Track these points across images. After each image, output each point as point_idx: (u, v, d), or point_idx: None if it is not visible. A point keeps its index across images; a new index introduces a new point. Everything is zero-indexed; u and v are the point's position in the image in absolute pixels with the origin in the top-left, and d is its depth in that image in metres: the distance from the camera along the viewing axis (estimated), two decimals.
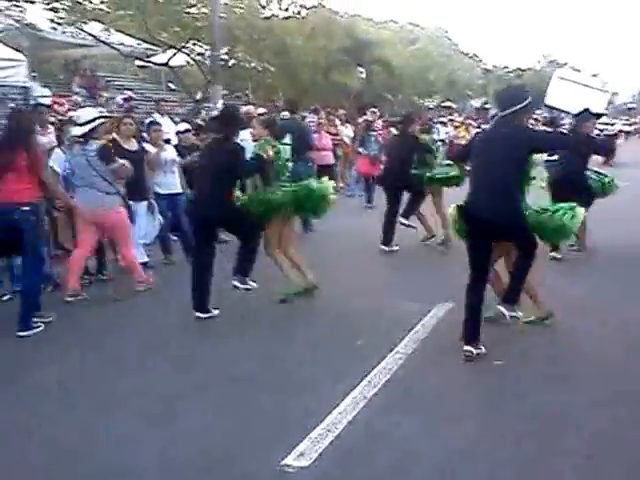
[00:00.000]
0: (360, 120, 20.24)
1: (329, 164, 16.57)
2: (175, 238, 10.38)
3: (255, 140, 8.01)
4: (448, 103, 48.21)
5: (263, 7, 29.33)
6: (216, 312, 7.45)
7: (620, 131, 38.19)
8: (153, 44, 28.20)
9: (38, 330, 7.01)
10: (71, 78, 26.34)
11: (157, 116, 13.57)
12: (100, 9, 27.09)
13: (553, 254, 9.86)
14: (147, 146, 9.74)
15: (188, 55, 27.92)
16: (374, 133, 17.74)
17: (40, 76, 25.83)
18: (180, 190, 10.16)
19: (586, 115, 10.10)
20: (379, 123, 20.74)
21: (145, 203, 9.33)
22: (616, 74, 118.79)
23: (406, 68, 33.81)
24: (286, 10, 29.62)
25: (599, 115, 11.19)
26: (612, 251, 10.54)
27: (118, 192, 8.24)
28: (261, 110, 16.11)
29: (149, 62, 29.10)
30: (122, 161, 8.29)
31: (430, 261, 10.55)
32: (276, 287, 8.11)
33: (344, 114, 20.17)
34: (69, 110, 15.48)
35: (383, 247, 11.05)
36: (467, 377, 5.82)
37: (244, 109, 14.52)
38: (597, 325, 7.11)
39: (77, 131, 8.30)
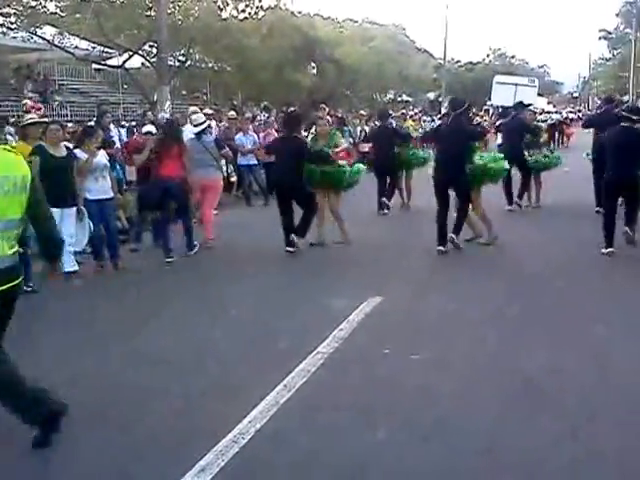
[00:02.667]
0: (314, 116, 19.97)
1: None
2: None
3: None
4: (405, 97, 48.26)
5: (220, 9, 28.75)
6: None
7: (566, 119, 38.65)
8: (109, 47, 27.53)
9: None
10: (23, 83, 25.63)
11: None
12: (54, 13, 26.34)
13: (508, 208, 13.63)
14: (78, 152, 9.22)
15: (144, 57, 27.27)
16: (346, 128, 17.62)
17: None
18: (111, 195, 9.64)
19: (520, 107, 14.24)
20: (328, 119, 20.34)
21: (74, 209, 8.83)
22: (561, 65, 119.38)
23: (362, 65, 33.43)
24: (242, 12, 29.04)
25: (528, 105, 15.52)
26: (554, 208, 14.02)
27: None
28: (208, 110, 15.75)
29: (105, 65, 28.43)
30: None
31: (362, 255, 10.20)
32: None
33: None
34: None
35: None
36: (388, 376, 5.43)
37: (190, 109, 14.23)
38: (523, 247, 10.55)
39: None
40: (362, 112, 16.21)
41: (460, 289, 8.10)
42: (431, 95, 54.46)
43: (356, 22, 48.72)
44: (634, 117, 9.75)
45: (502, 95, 18.73)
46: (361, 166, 11.38)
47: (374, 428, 4.50)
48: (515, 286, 8.28)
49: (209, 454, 4.18)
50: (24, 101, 19.89)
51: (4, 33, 24.61)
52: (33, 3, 25.32)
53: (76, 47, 26.78)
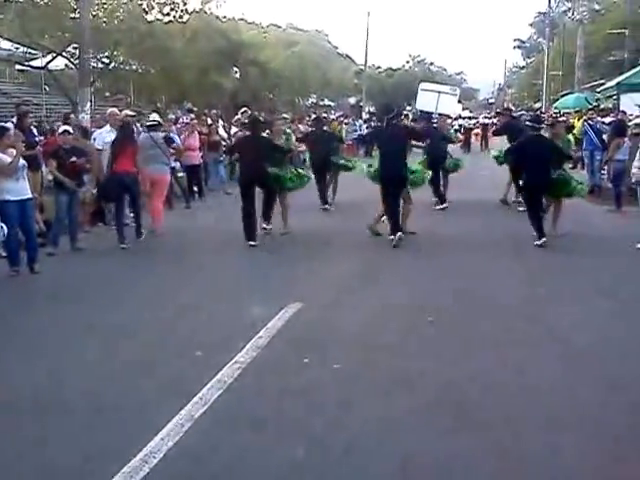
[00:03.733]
0: (234, 119, 19.97)
1: (196, 164, 15.94)
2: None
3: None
4: (327, 102, 48.18)
5: (145, 12, 28.05)
6: None
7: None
8: (32, 48, 26.55)
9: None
10: None
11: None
12: None
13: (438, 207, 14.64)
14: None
15: (68, 59, 26.35)
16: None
17: None
18: (31, 195, 9.22)
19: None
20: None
21: None
22: (478, 72, 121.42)
23: (285, 69, 33.16)
24: (167, 15, 28.38)
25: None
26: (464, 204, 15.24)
27: None
28: (130, 112, 15.24)
29: (28, 66, 27.42)
30: None
31: (283, 259, 10.10)
32: None
33: (216, 114, 19.37)
34: None
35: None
36: (307, 387, 5.25)
37: (108, 110, 13.91)
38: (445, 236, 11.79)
39: None
40: (284, 115, 15.98)
41: (383, 293, 7.93)
42: (352, 100, 54.57)
43: (280, 27, 48.44)
44: (537, 125, 11.39)
45: (426, 101, 19.99)
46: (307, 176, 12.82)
47: (291, 446, 4.29)
48: (439, 294, 8.14)
49: (117, 476, 3.89)
50: None
51: None
52: None
53: None
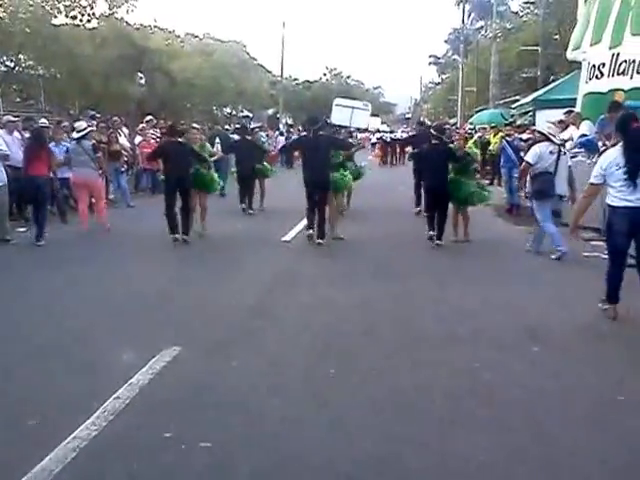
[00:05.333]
0: (139, 128, 18.82)
1: None
2: None
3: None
4: (245, 112, 46.96)
5: (52, 15, 26.33)
6: None
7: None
8: None
9: None
10: None
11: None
12: None
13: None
14: None
15: None
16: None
17: None
18: None
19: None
20: (156, 131, 19.08)
21: None
22: (395, 87, 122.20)
23: (196, 78, 31.83)
24: (74, 18, 26.75)
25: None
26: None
27: None
28: (11, 117, 13.98)
29: None
30: None
31: (156, 299, 8.07)
32: None
33: (117, 121, 17.94)
34: None
35: None
36: (169, 461, 3.92)
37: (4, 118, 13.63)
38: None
39: None
40: (195, 125, 14.81)
41: (282, 335, 6.69)
42: (270, 111, 53.50)
43: (197, 37, 46.92)
44: (440, 135, 12.02)
45: (340, 116, 21.00)
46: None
47: None
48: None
49: None
50: None
51: None
52: None
53: None
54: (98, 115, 20.01)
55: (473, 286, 8.74)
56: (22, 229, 12.54)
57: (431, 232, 11.73)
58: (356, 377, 5.48)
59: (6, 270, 9.61)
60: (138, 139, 18.81)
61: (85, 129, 13.19)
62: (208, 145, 14.24)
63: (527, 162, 10.64)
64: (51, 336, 6.46)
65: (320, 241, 11.70)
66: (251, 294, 8.15)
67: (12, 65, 25.79)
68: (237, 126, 22.63)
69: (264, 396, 5.09)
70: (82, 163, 12.85)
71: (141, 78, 30.54)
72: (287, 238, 12.32)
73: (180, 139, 12.30)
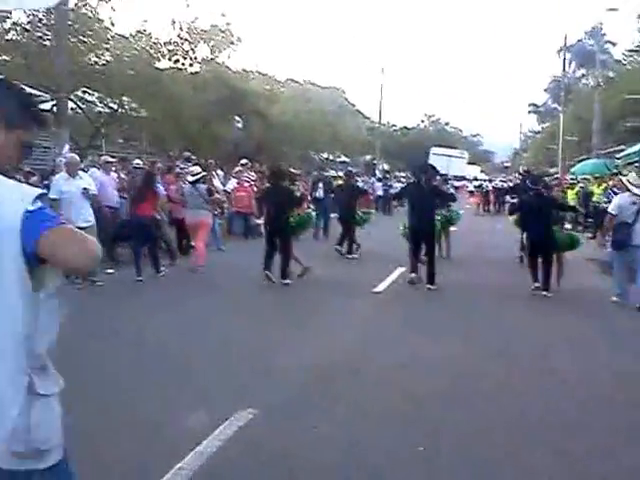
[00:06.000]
0: (234, 171, 18.77)
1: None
2: None
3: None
4: (343, 158, 46.99)
5: (154, 58, 26.96)
6: None
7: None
8: (40, 90, 25.36)
9: None
10: None
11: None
12: None
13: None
14: None
15: (74, 102, 25.15)
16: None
17: None
18: None
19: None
20: (253, 174, 18.97)
21: None
22: (494, 135, 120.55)
23: (294, 123, 31.96)
24: (176, 62, 27.31)
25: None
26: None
27: None
28: (110, 158, 14.05)
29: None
30: None
31: (233, 353, 7.61)
32: None
33: (213, 164, 17.94)
34: None
35: None
36: None
37: (69, 156, 12.66)
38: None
39: None
40: (291, 169, 14.70)
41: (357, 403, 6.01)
42: (367, 157, 53.32)
43: (297, 82, 47.47)
44: (536, 186, 11.99)
45: (437, 164, 20.84)
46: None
47: None
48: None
49: None
50: None
51: None
52: None
53: None
54: (193, 157, 20.09)
55: (580, 351, 8.00)
56: (110, 271, 12.36)
57: (536, 284, 11.45)
58: (445, 456, 4.81)
59: (84, 312, 9.35)
60: (233, 182, 18.70)
61: (199, 173, 13.95)
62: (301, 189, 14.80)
63: (610, 213, 10.74)
64: (119, 390, 6.05)
65: (430, 287, 11.78)
66: (334, 352, 7.61)
67: (116, 107, 26.34)
68: (340, 173, 23.45)
69: (346, 468, 4.50)
70: (196, 205, 13.55)
71: (238, 122, 30.82)
72: (379, 289, 11.84)
73: (282, 183, 12.62)
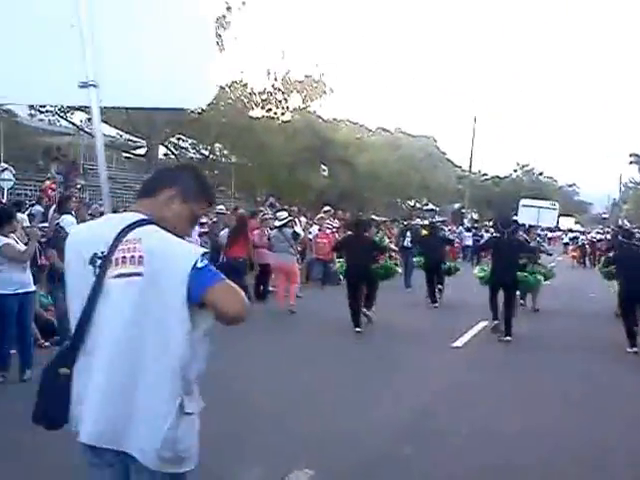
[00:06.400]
0: (317, 217, 18.93)
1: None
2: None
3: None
4: (431, 206, 46.73)
5: (248, 107, 27.76)
6: None
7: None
8: (136, 136, 26.65)
9: None
10: (49, 164, 24.82)
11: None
12: None
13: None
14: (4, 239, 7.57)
15: (167, 148, 26.18)
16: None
17: (15, 160, 24.32)
18: (33, 288, 7.86)
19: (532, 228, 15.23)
20: (336, 222, 19.11)
21: None
22: (591, 185, 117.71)
23: (382, 171, 32.13)
24: (269, 111, 28.04)
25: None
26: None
27: None
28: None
29: (132, 153, 27.52)
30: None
31: (296, 405, 7.32)
32: None
33: (297, 211, 18.23)
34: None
35: None
36: None
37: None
38: None
39: None
40: (374, 217, 14.77)
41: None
42: (455, 205, 52.85)
43: (387, 131, 47.70)
44: (628, 241, 12.21)
45: (527, 216, 21.38)
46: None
47: None
48: None
49: None
50: (45, 182, 19.91)
51: (31, 115, 23.68)
52: None
53: (102, 134, 25.70)
54: (277, 204, 20.45)
55: None
56: None
57: (635, 349, 10.92)
58: None
59: None
60: (315, 229, 18.86)
61: (286, 218, 14.56)
62: (386, 239, 15.02)
63: None
64: None
65: (507, 338, 11.66)
66: (401, 412, 7.21)
67: (207, 153, 27.20)
68: (426, 222, 23.55)
69: None
70: (282, 249, 14.00)
71: (324, 170, 31.23)
72: (458, 344, 11.36)
73: (365, 233, 12.55)
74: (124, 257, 2.60)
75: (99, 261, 2.64)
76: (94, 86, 3.23)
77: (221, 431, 6.11)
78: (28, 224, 8.57)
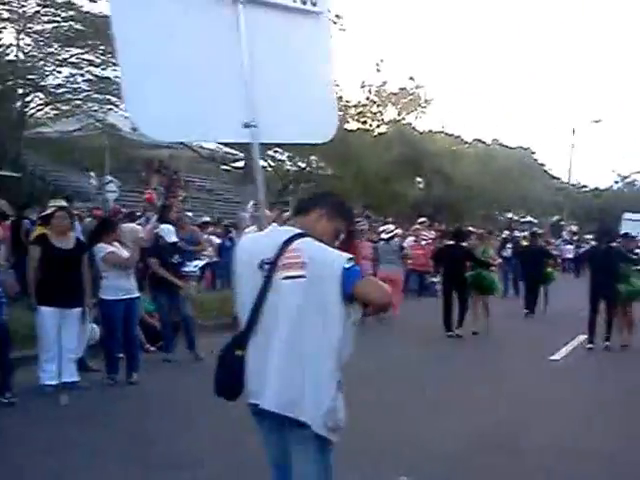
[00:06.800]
0: (412, 229, 18.85)
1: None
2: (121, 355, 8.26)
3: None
4: (529, 218, 45.79)
5: (344, 120, 27.98)
6: None
7: None
8: (234, 148, 27.26)
9: None
10: (151, 176, 25.57)
11: None
12: None
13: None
14: (102, 245, 7.80)
15: (265, 160, 26.63)
16: None
17: (119, 172, 25.21)
18: (137, 294, 8.13)
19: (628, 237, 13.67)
20: (432, 233, 19.08)
21: (79, 310, 7.28)
22: None
23: (476, 183, 31.76)
24: (364, 123, 28.17)
25: None
26: None
27: None
28: None
29: (231, 166, 28.15)
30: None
31: (389, 412, 7.24)
32: None
33: (390, 223, 18.23)
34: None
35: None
36: None
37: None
38: None
39: None
40: (471, 228, 14.68)
41: None
42: (554, 218, 51.53)
43: (484, 143, 47.05)
44: None
45: (630, 229, 20.86)
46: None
47: None
48: None
49: None
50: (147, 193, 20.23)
51: (135, 129, 24.43)
52: None
53: (202, 147, 26.53)
54: (369, 216, 20.50)
55: None
56: None
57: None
58: None
59: None
60: (410, 240, 18.75)
61: (392, 231, 15.30)
62: (491, 250, 14.80)
63: None
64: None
65: (606, 344, 11.71)
66: (496, 425, 7.08)
67: (304, 166, 27.47)
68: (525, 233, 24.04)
69: None
70: (389, 261, 14.48)
71: (419, 182, 31.11)
72: (557, 356, 11.10)
73: (462, 243, 13.14)
74: (290, 263, 3.25)
75: (267, 266, 3.30)
76: (255, 126, 4.08)
77: None
78: (142, 235, 8.87)
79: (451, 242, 13.61)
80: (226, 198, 30.16)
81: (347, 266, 3.20)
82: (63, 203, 8.30)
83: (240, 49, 4.09)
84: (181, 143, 26.21)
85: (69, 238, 7.62)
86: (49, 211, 7.91)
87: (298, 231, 3.39)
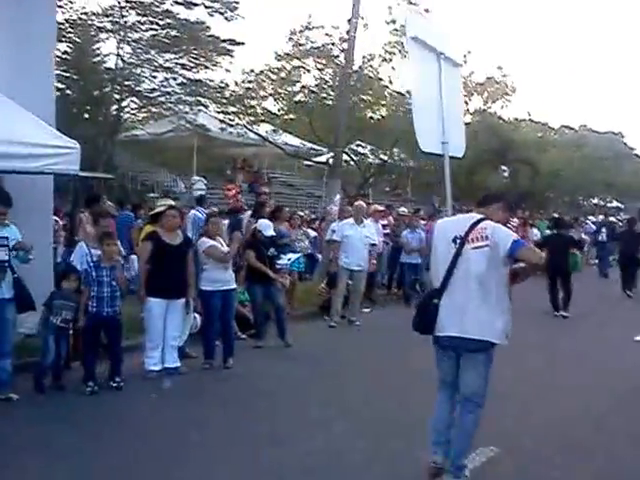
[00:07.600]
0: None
1: None
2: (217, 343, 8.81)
3: None
4: (615, 204, 44.66)
5: None
6: None
7: None
8: (317, 144, 27.53)
9: None
10: (236, 174, 26.19)
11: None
12: (272, 113, 27.82)
13: None
14: (205, 239, 8.35)
15: (348, 155, 26.77)
16: None
17: (206, 171, 25.76)
18: (234, 286, 8.59)
19: None
20: (515, 220, 19.10)
21: (182, 301, 7.77)
22: None
23: (563, 170, 31.21)
24: None
25: None
26: None
27: None
28: (379, 207, 15.07)
29: (313, 161, 28.46)
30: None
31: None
32: None
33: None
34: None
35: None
36: None
37: (356, 203, 13.57)
38: None
39: None
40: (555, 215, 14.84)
41: None
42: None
43: (572, 129, 46.11)
44: None
45: None
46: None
47: None
48: None
49: None
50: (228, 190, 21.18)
51: (222, 129, 25.19)
52: (254, 103, 26.02)
53: (286, 144, 26.92)
54: (454, 207, 20.49)
55: None
56: (366, 310, 13.17)
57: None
58: None
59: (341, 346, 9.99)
60: None
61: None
62: (583, 235, 16.60)
63: None
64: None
65: None
66: (586, 400, 7.35)
67: (386, 158, 27.48)
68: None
69: None
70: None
71: (504, 171, 30.78)
72: None
73: (563, 230, 14.63)
74: (478, 237, 4.81)
75: (458, 240, 4.85)
76: (446, 143, 6.71)
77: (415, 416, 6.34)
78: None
79: (554, 231, 15.01)
80: (309, 193, 30.59)
81: (514, 239, 4.77)
82: (172, 202, 8.77)
83: (441, 91, 6.75)
84: (266, 140, 26.73)
85: (177, 234, 8.13)
86: (158, 210, 8.38)
87: (481, 216, 4.93)
